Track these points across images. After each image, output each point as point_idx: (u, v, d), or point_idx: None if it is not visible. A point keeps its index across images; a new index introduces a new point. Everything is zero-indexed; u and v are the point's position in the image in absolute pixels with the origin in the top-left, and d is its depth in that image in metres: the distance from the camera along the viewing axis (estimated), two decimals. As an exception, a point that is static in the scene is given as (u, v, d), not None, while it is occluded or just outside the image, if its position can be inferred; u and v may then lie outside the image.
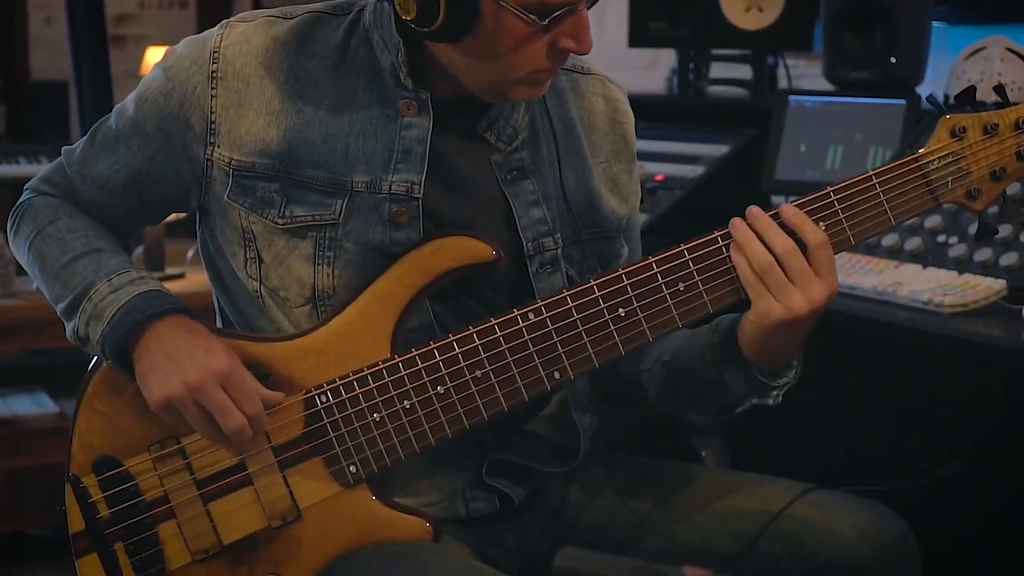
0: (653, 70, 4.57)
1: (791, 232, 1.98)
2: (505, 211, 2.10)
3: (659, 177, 3.54)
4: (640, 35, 4.06)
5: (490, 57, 1.98)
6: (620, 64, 4.49)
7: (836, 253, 2.03)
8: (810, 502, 2.13)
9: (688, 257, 2.01)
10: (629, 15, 4.05)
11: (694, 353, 2.12)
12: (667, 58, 4.37)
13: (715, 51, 4.07)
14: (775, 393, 2.09)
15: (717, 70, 4.10)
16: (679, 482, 2.23)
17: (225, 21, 2.11)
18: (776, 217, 2.00)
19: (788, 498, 2.12)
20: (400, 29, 2.04)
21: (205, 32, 2.12)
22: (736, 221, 2.00)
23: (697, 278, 2.00)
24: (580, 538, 2.21)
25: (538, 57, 1.98)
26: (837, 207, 2.02)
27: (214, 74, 2.07)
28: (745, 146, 3.58)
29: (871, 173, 2.03)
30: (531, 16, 1.92)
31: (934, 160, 2.05)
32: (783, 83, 3.98)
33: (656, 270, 2.00)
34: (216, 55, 2.07)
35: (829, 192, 2.02)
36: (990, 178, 2.06)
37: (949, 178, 2.05)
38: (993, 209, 2.09)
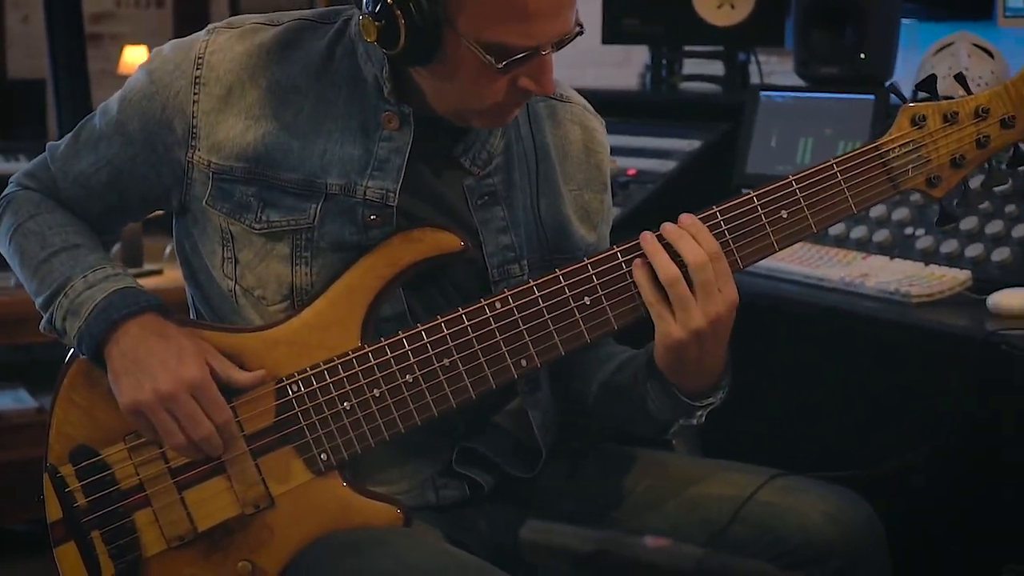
0: (626, 67, 4.60)
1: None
2: (474, 236, 2.12)
3: (631, 172, 3.56)
4: (613, 32, 4.08)
5: (453, 84, 2.00)
6: (594, 61, 4.52)
7: (798, 240, 2.07)
8: (778, 488, 2.15)
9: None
10: (602, 12, 4.08)
11: (629, 373, 2.14)
12: (640, 55, 4.40)
13: (688, 47, 4.10)
14: (699, 414, 2.10)
15: (690, 66, 4.13)
16: (648, 469, 2.25)
17: (213, 26, 2.13)
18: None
19: (756, 484, 2.15)
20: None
21: (192, 36, 2.13)
22: (645, 234, 2.01)
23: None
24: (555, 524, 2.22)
25: (498, 93, 1.99)
26: (799, 195, 2.04)
27: (197, 80, 2.09)
28: (717, 141, 3.60)
29: (832, 161, 2.06)
30: (488, 58, 1.93)
31: (895, 148, 2.07)
32: (755, 79, 4.02)
33: (621, 259, 2.03)
34: (200, 61, 2.09)
35: (791, 180, 2.05)
36: (950, 165, 2.08)
37: (909, 166, 2.07)
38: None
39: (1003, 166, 2.13)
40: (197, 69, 2.09)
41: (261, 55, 2.10)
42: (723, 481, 2.20)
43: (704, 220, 2.02)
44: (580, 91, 2.32)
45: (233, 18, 2.15)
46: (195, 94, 2.08)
